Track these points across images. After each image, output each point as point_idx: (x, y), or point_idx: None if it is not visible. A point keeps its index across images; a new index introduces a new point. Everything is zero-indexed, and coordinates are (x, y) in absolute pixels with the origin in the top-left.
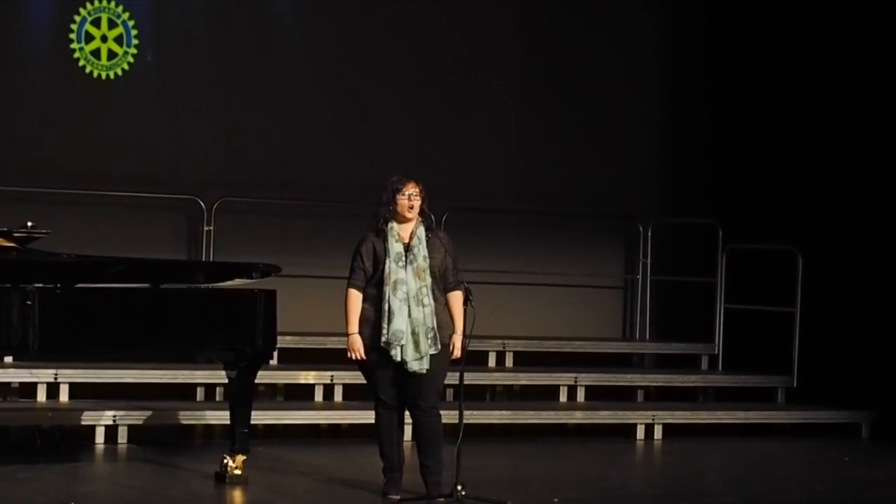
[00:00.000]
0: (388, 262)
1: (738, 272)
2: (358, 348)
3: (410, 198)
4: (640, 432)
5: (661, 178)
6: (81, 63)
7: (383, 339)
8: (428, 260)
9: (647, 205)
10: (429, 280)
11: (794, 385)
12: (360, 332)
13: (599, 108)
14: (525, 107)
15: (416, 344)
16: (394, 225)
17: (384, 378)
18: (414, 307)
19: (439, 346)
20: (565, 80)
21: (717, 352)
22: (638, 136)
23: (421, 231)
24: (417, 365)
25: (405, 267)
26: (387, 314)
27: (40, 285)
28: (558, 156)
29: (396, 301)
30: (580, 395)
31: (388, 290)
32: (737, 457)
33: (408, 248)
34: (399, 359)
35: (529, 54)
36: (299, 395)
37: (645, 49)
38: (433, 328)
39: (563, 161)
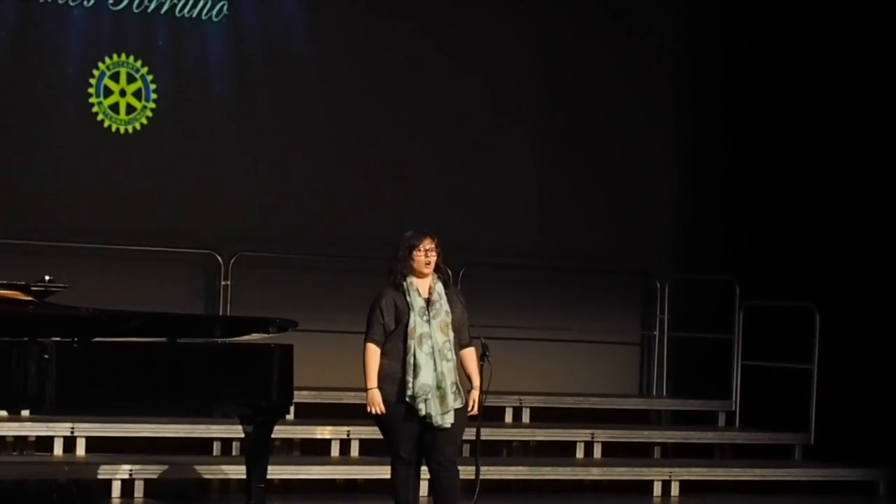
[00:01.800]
0: (412, 315)
1: (756, 328)
2: (378, 402)
3: (427, 254)
4: (657, 489)
5: (678, 234)
6: (100, 117)
7: (409, 392)
8: (450, 315)
9: (665, 261)
10: (451, 335)
11: (811, 442)
12: (381, 387)
13: (617, 163)
14: (543, 163)
15: (442, 398)
16: (412, 280)
17: (405, 433)
18: (439, 361)
19: (463, 401)
20: (583, 136)
21: (734, 408)
22: (655, 193)
23: (439, 286)
24: (442, 419)
25: (429, 321)
26: (412, 368)
27: (57, 339)
28: (575, 211)
29: (423, 355)
30: (597, 452)
31: (413, 343)
32: None
33: (429, 302)
34: (424, 413)
35: (548, 111)
36: (316, 450)
37: (663, 105)
38: (456, 382)
39: (580, 216)
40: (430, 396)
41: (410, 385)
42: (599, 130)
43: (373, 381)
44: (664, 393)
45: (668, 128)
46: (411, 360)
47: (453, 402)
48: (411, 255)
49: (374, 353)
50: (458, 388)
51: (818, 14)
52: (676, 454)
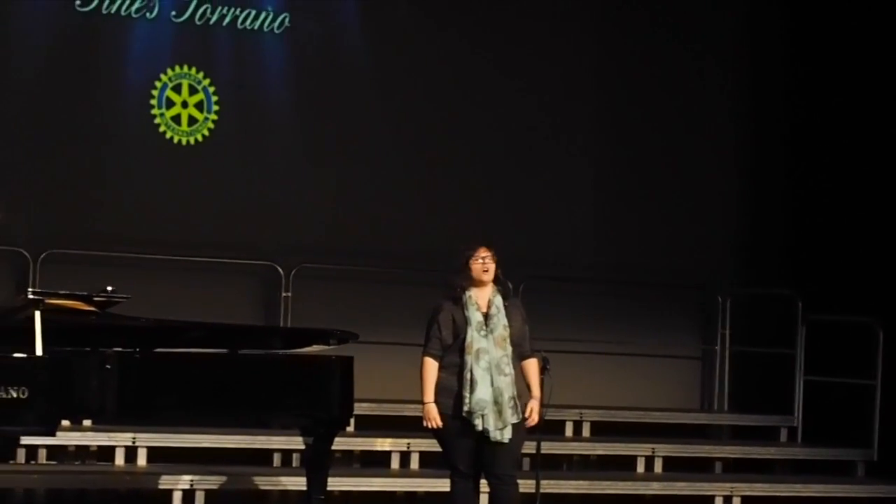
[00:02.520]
0: (469, 330)
1: (818, 343)
2: (434, 417)
3: (484, 261)
4: None
5: (739, 248)
6: (162, 129)
7: (465, 408)
8: (508, 329)
9: (726, 275)
10: (509, 349)
11: (875, 459)
12: (439, 401)
13: (676, 176)
14: (601, 176)
15: (499, 413)
16: (471, 293)
17: (463, 447)
18: (496, 376)
19: (520, 415)
20: (641, 149)
21: (796, 424)
22: (716, 206)
23: (498, 300)
24: (500, 434)
25: (486, 336)
26: (469, 383)
27: (119, 349)
28: (635, 225)
29: (479, 370)
30: (657, 466)
31: (470, 358)
32: None
33: (487, 316)
34: (481, 428)
35: (605, 122)
36: (375, 462)
37: (721, 118)
38: (514, 397)
39: (639, 230)
40: (486, 411)
41: (467, 400)
42: (658, 144)
43: (429, 395)
44: (725, 408)
45: (727, 140)
46: (468, 375)
47: (510, 417)
48: (468, 265)
49: (431, 366)
50: (515, 402)
51: (879, 27)
52: (737, 469)
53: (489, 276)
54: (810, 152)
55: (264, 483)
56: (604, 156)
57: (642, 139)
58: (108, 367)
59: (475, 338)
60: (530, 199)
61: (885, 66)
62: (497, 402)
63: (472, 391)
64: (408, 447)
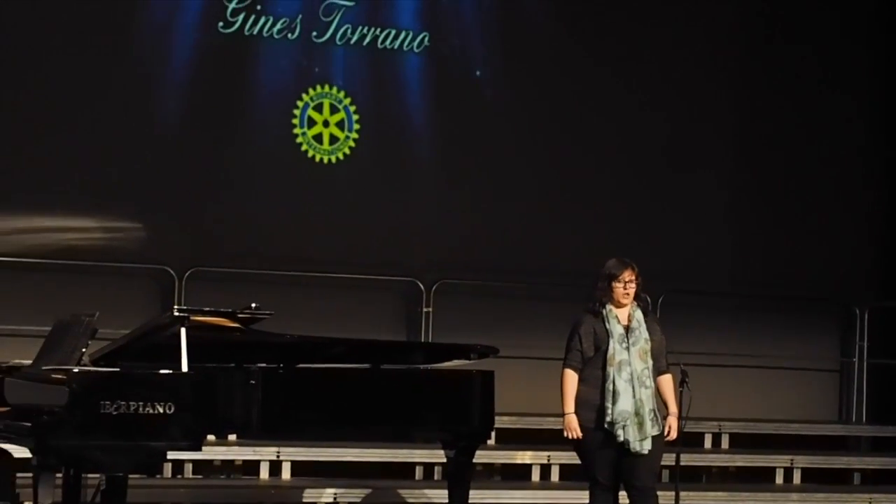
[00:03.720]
0: (611, 343)
1: None
2: (574, 428)
3: (626, 286)
4: None
5: (877, 261)
6: (304, 147)
7: (608, 419)
8: (649, 342)
9: (863, 287)
10: (650, 362)
11: None
12: (579, 413)
13: (811, 189)
14: (737, 190)
15: (640, 424)
16: (611, 307)
17: (603, 459)
18: (638, 388)
19: (660, 427)
20: (776, 164)
21: None
22: (851, 219)
23: (639, 314)
24: (640, 445)
25: (628, 348)
26: (612, 394)
27: (263, 365)
28: (772, 238)
29: (622, 382)
30: (796, 478)
31: (612, 370)
32: None
33: (628, 329)
34: (622, 439)
35: (739, 136)
36: (516, 475)
37: (856, 129)
38: (654, 409)
39: (776, 244)
40: (628, 423)
41: (609, 411)
42: (794, 158)
43: (570, 406)
44: (863, 419)
45: (861, 154)
46: (610, 387)
47: (651, 429)
48: (611, 284)
49: (571, 378)
50: (655, 414)
51: None
52: (876, 481)
53: (628, 300)
54: None
55: (407, 496)
56: (739, 171)
57: (777, 155)
58: (253, 382)
59: (617, 350)
60: (666, 215)
61: None
62: (638, 414)
63: (614, 402)
64: (548, 460)
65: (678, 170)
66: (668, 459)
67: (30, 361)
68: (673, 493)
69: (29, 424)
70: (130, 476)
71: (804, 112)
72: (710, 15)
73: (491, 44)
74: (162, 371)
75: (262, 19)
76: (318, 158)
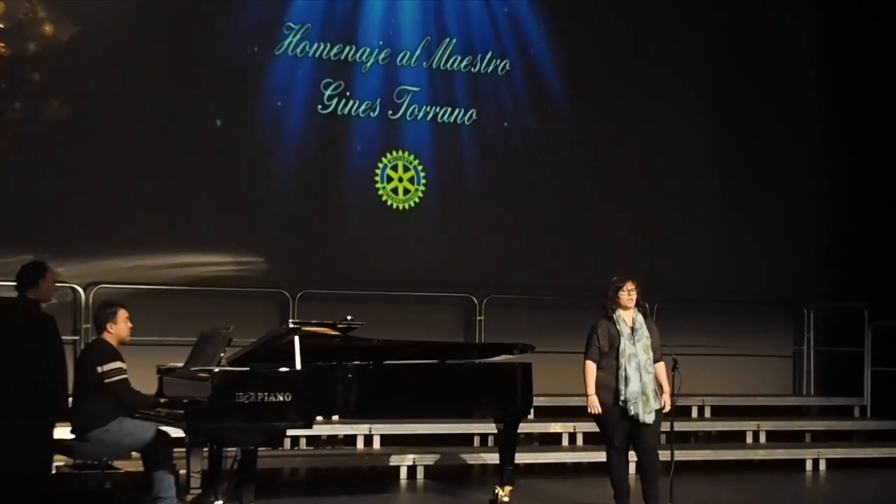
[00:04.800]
0: (622, 340)
1: (881, 342)
2: (596, 405)
3: (629, 293)
4: (809, 466)
5: (820, 272)
6: (384, 198)
7: (622, 397)
8: (649, 339)
9: (809, 293)
10: (651, 353)
11: None
12: (599, 394)
13: (771, 217)
14: (713, 220)
15: (646, 401)
16: (619, 313)
17: (618, 428)
18: (643, 374)
19: (660, 403)
20: (744, 199)
21: (866, 403)
22: (802, 243)
23: (640, 317)
24: (647, 417)
25: (635, 344)
26: (624, 380)
27: (357, 363)
28: (740, 257)
29: (631, 370)
30: (762, 438)
31: (623, 361)
32: (885, 484)
33: (633, 329)
34: (633, 413)
35: (719, 186)
36: (550, 441)
37: (802, 171)
38: (655, 389)
39: (743, 261)
40: (638, 400)
41: (623, 392)
42: (757, 195)
43: (591, 388)
44: (812, 392)
45: (807, 190)
46: (623, 374)
47: (654, 404)
48: (617, 294)
49: (591, 368)
50: (656, 393)
51: None
52: (823, 439)
53: (632, 304)
54: (876, 200)
55: (468, 458)
56: (715, 207)
57: (745, 192)
58: (350, 376)
59: (627, 345)
60: (660, 241)
61: None
62: (644, 393)
63: (626, 385)
64: (574, 429)
65: (669, 207)
66: (665, 427)
67: (182, 364)
68: (669, 451)
69: (182, 412)
70: (259, 448)
71: (765, 157)
72: (689, 75)
73: (523, 112)
74: (281, 369)
75: (351, 102)
76: (394, 206)
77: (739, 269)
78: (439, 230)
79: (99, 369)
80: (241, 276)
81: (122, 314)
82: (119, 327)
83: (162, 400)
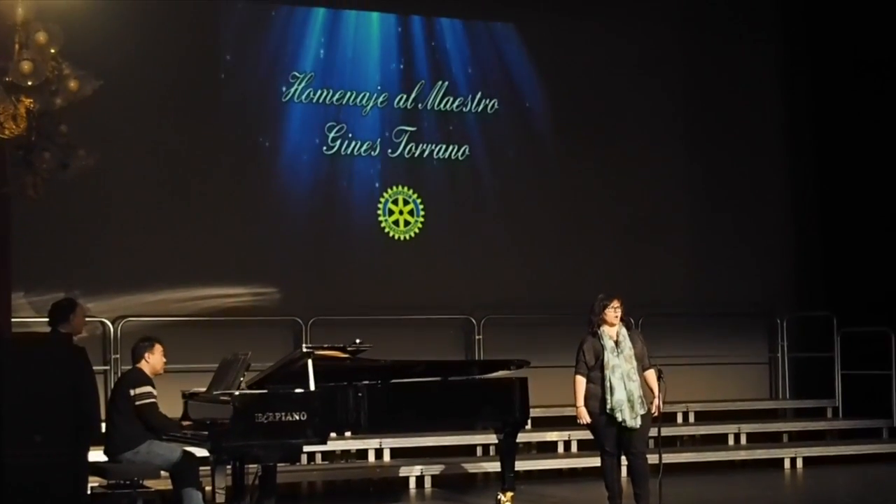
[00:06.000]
0: (606, 353)
1: (849, 347)
2: (584, 415)
3: (616, 310)
4: (787, 464)
5: (791, 284)
6: (386, 230)
7: (608, 406)
8: (633, 349)
9: (782, 304)
10: (635, 363)
11: (894, 425)
12: (588, 403)
13: (744, 235)
14: (691, 242)
15: (632, 407)
16: (605, 328)
17: (609, 434)
18: (628, 382)
19: (647, 408)
20: (718, 221)
21: (837, 404)
22: (774, 257)
23: (623, 331)
24: (633, 422)
25: (618, 356)
26: (609, 389)
27: (367, 382)
28: (716, 273)
29: (616, 379)
30: (743, 440)
31: (608, 373)
32: (858, 479)
33: (617, 343)
34: (621, 419)
35: (692, 210)
36: (547, 449)
37: (774, 194)
38: (641, 396)
39: (720, 277)
40: (623, 407)
41: (609, 400)
42: (730, 217)
43: (580, 400)
44: (787, 396)
45: (782, 212)
46: (608, 384)
47: (640, 409)
48: (604, 311)
49: (580, 382)
50: (642, 399)
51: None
52: (800, 439)
53: (616, 321)
54: (840, 216)
55: (471, 467)
56: (693, 231)
57: (719, 215)
58: (360, 395)
59: (610, 358)
60: (643, 263)
61: None
62: (630, 400)
63: (612, 394)
64: (569, 437)
65: (648, 230)
66: (653, 432)
67: (205, 389)
68: (657, 455)
69: (206, 433)
70: (278, 464)
71: (734, 179)
72: (662, 104)
73: (511, 146)
74: (297, 390)
75: (353, 143)
76: (396, 237)
77: (716, 284)
78: (438, 258)
79: (131, 391)
80: (257, 306)
81: (159, 349)
82: (155, 359)
83: (186, 423)
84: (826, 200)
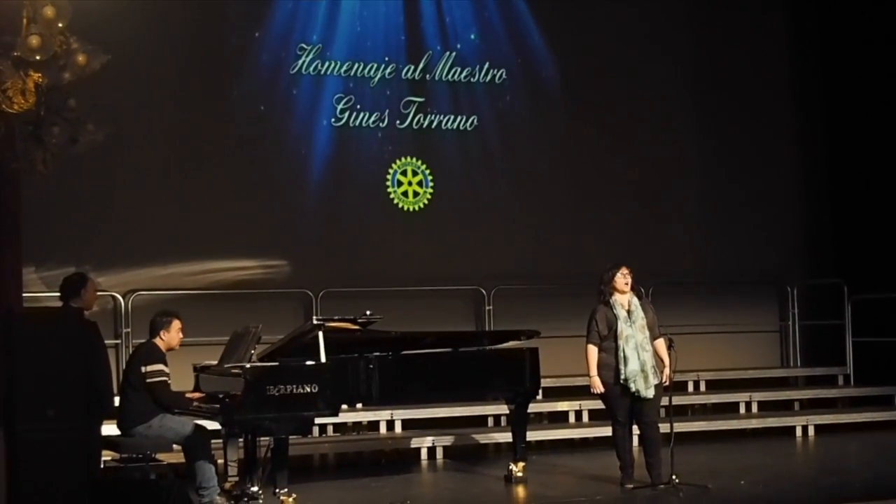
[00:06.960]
0: (619, 323)
1: (860, 315)
2: (598, 385)
3: (625, 276)
4: (799, 432)
5: (802, 252)
6: (396, 201)
7: (622, 376)
8: (644, 319)
9: (793, 272)
10: (647, 333)
11: None
12: (601, 373)
13: (757, 205)
14: (702, 210)
15: (645, 378)
16: (616, 297)
17: (621, 404)
18: (641, 353)
19: (659, 378)
20: (731, 191)
21: (849, 372)
22: (785, 225)
23: (635, 300)
24: (647, 392)
25: (631, 325)
26: (623, 359)
27: (378, 354)
28: (728, 241)
29: (629, 349)
30: (754, 408)
31: (622, 342)
32: (869, 446)
33: (629, 312)
34: (634, 389)
35: (706, 178)
36: (558, 419)
37: (787, 168)
38: (654, 366)
39: (731, 245)
40: (637, 377)
41: (623, 371)
42: (742, 187)
43: (593, 370)
44: (798, 364)
45: (795, 179)
46: (622, 354)
47: (653, 380)
48: (613, 278)
49: (593, 350)
50: (655, 369)
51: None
52: (811, 406)
53: (627, 288)
54: (850, 184)
55: (483, 438)
56: (704, 199)
57: (732, 185)
58: (371, 366)
59: (624, 328)
60: (655, 232)
61: None
62: (643, 371)
63: (626, 364)
64: (580, 407)
65: (659, 199)
66: (664, 401)
67: (216, 362)
68: (668, 424)
69: (218, 406)
70: (290, 437)
71: (746, 147)
72: (672, 74)
73: (520, 116)
74: (308, 363)
75: (361, 114)
76: (405, 208)
77: (726, 252)
78: (448, 229)
79: (143, 368)
80: (267, 279)
81: (176, 324)
82: (171, 335)
83: (197, 395)
84: (836, 168)
